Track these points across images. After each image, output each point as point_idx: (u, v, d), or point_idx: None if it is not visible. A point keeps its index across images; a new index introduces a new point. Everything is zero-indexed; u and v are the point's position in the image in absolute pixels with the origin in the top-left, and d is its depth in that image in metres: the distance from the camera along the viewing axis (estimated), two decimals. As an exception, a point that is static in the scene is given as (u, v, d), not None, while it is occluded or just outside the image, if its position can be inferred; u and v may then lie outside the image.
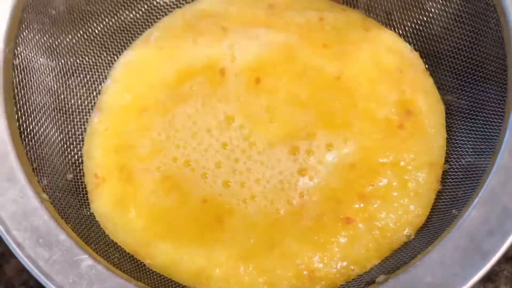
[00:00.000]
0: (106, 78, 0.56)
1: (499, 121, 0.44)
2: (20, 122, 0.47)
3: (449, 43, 0.52)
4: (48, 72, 0.52)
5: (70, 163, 0.52)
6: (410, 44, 0.55)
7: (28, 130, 0.48)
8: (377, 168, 0.49)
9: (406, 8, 0.56)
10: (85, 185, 0.51)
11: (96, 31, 0.56)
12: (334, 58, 0.53)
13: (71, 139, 0.53)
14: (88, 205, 0.50)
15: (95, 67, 0.56)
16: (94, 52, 0.56)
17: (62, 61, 0.53)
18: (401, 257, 0.45)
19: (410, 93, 0.52)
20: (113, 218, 0.49)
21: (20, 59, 0.48)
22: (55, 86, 0.52)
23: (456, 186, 0.47)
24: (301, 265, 0.46)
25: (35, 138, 0.48)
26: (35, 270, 0.40)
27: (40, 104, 0.50)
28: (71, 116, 0.53)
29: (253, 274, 0.46)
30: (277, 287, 0.46)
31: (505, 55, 0.45)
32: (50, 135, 0.50)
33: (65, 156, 0.51)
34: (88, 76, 0.55)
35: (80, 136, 0.53)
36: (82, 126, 0.54)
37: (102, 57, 0.56)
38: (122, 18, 0.57)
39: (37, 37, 0.50)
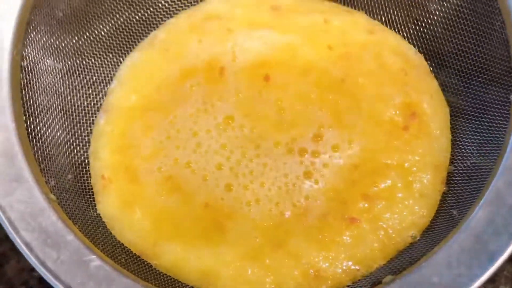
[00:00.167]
0: (112, 79, 0.56)
1: (504, 122, 0.44)
2: (28, 123, 0.47)
3: (454, 45, 0.52)
4: (55, 74, 0.52)
5: (77, 164, 0.52)
6: (414, 46, 0.55)
7: (36, 131, 0.48)
8: (382, 169, 0.49)
9: (410, 10, 0.56)
10: (91, 186, 0.51)
11: (102, 33, 0.56)
12: (338, 59, 0.53)
13: (77, 140, 0.53)
14: (95, 206, 0.50)
15: (101, 68, 0.56)
16: (100, 54, 0.56)
17: (69, 62, 0.53)
18: (407, 258, 0.45)
19: (414, 95, 0.52)
20: (119, 219, 0.49)
21: (27, 61, 0.48)
22: (62, 87, 0.53)
23: (461, 188, 0.47)
24: (307, 265, 0.46)
25: (43, 139, 0.48)
26: (43, 270, 0.40)
27: (47, 106, 0.50)
28: (78, 117, 0.54)
29: (260, 273, 0.46)
30: (284, 286, 0.46)
31: (510, 57, 0.45)
32: (57, 136, 0.51)
33: (71, 157, 0.52)
34: (94, 78, 0.55)
35: (87, 138, 0.53)
36: (88, 128, 0.54)
37: (108, 58, 0.56)
38: (128, 20, 0.57)
39: (44, 39, 0.51)
